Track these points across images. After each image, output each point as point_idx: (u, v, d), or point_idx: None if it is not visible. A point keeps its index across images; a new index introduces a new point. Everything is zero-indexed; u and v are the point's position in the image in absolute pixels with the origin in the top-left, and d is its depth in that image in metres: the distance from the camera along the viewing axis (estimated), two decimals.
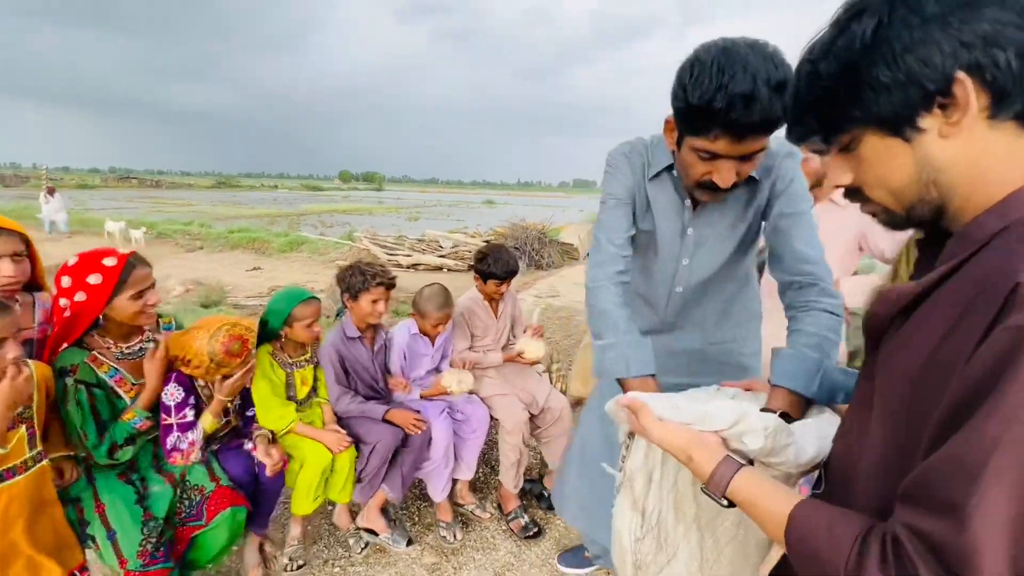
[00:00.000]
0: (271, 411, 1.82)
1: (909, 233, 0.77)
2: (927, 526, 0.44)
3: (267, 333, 1.90)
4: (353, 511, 2.11)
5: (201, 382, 1.62)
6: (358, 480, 1.96)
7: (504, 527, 2.20)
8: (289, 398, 1.92)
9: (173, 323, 1.73)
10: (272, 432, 1.80)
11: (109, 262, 1.40)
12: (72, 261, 1.41)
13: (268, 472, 1.66)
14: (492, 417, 2.22)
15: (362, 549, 2.00)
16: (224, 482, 1.59)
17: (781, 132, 0.84)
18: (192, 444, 1.55)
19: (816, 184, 1.91)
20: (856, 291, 1.78)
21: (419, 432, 1.97)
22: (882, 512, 0.52)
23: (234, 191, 58.91)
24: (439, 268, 9.50)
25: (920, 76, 0.50)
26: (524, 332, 2.46)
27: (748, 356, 1.31)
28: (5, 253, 1.37)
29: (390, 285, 2.01)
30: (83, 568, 1.36)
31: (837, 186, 0.64)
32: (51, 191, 12.70)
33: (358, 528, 2.06)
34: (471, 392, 2.16)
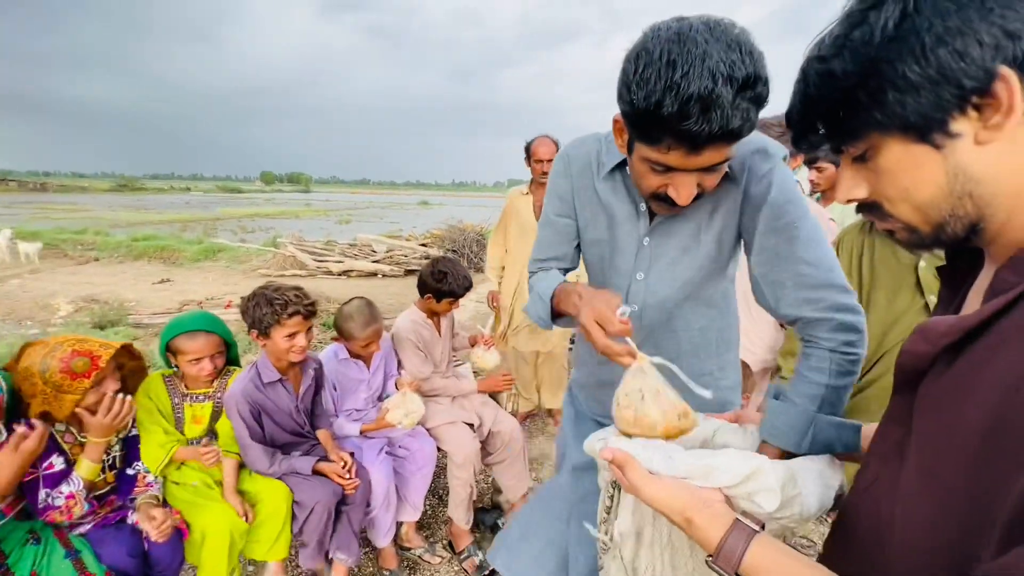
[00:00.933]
0: (151, 440, 1.54)
1: None
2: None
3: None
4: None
5: (62, 429, 1.31)
6: (301, 545, 1.69)
7: (457, 567, 2.00)
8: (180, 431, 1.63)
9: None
10: (160, 488, 1.50)
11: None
12: None
13: (154, 538, 1.36)
14: (439, 448, 2.02)
15: None
16: (99, 572, 1.27)
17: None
18: (71, 497, 1.28)
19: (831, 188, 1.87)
20: None
21: (352, 490, 1.70)
22: None
23: (138, 194, 53.64)
24: (373, 274, 9.03)
25: (955, 72, 0.43)
26: (474, 345, 2.29)
27: (726, 390, 1.11)
28: None
29: (309, 313, 1.64)
30: None
31: (850, 201, 0.55)
32: None
33: None
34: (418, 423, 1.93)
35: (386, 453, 1.91)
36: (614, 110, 0.84)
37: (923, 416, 0.50)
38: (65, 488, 1.28)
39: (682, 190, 0.80)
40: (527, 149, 2.72)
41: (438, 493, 2.37)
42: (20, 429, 1.17)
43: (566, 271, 1.14)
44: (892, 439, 0.55)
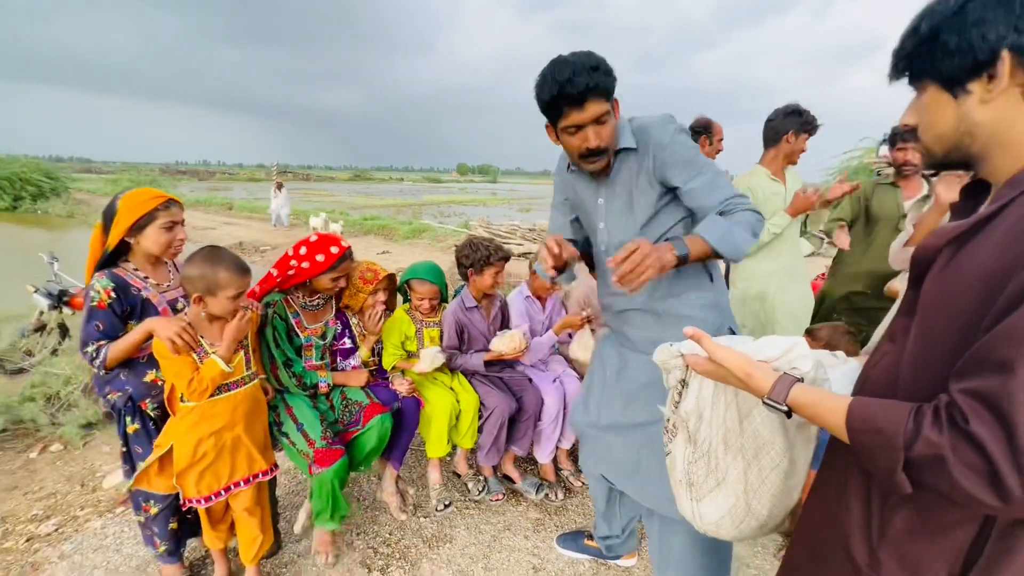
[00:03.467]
0: (387, 348, 2.23)
1: None
2: (979, 384, 0.54)
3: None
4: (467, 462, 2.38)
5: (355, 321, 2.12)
6: (478, 447, 2.24)
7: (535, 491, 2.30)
8: (419, 348, 2.27)
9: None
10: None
11: (335, 249, 1.88)
12: (313, 238, 1.90)
13: (405, 391, 2.09)
14: None
15: (479, 492, 2.28)
16: (375, 400, 2.01)
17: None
18: (356, 368, 2.11)
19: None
20: None
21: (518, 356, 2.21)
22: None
23: (366, 183, 65.23)
24: None
25: (977, 48, 0.61)
26: None
27: (697, 307, 1.40)
28: (179, 220, 1.63)
29: (506, 259, 2.25)
30: (274, 467, 1.76)
31: (905, 124, 0.78)
32: (279, 186, 13.28)
33: (479, 474, 2.33)
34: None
35: (560, 383, 2.30)
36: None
37: (926, 300, 0.67)
38: (351, 360, 2.06)
39: (591, 137, 1.24)
40: (709, 128, 2.80)
41: None
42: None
43: (572, 241, 1.57)
44: (901, 326, 0.72)
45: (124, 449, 1.66)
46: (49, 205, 18.09)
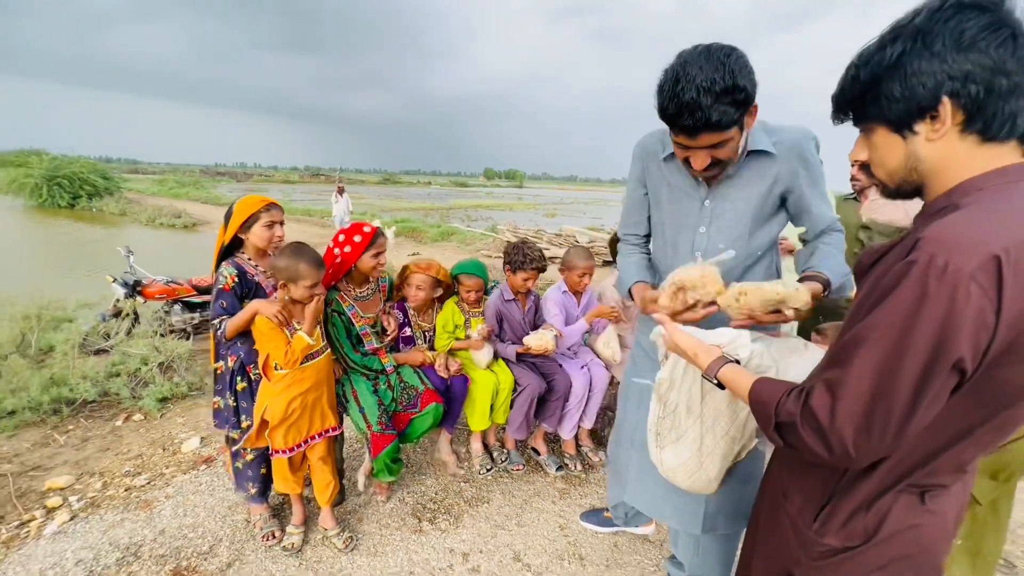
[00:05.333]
0: (439, 338, 2.52)
1: None
2: (827, 375, 0.71)
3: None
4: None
5: (414, 314, 2.42)
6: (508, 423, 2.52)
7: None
8: (467, 335, 2.55)
9: (388, 276, 2.43)
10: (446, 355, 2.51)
11: (366, 229, 2.14)
12: (346, 227, 2.17)
13: (452, 372, 2.38)
14: (614, 379, 2.59)
15: (502, 461, 2.59)
16: (430, 386, 2.29)
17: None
18: (417, 352, 2.44)
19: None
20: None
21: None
22: None
23: (396, 187, 66.54)
24: None
25: (919, 96, 0.69)
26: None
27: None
28: (278, 220, 1.95)
29: (541, 270, 2.51)
30: (340, 426, 2.08)
31: (855, 160, 0.90)
32: (341, 191, 13.09)
33: (503, 447, 2.61)
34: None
35: (587, 369, 2.56)
36: None
37: (852, 306, 0.77)
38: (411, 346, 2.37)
39: (697, 161, 1.17)
40: None
41: (609, 421, 2.93)
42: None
43: (644, 238, 1.56)
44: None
45: (233, 404, 1.99)
46: (104, 203, 19.28)
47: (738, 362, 0.97)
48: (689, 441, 1.16)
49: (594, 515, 2.22)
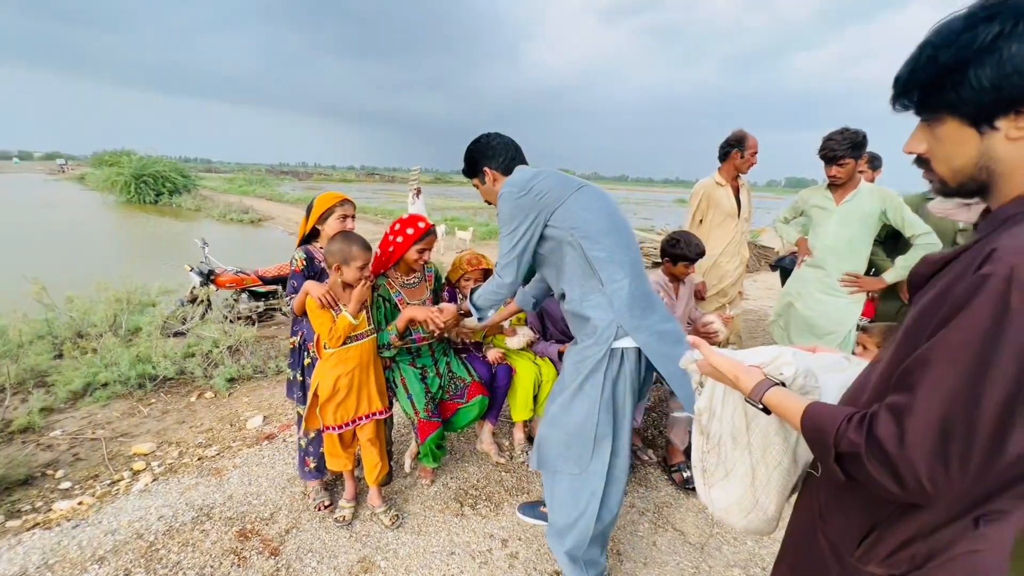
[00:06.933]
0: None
1: None
2: (894, 400, 0.64)
3: None
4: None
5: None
6: None
7: (667, 475, 2.52)
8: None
9: (433, 267, 2.52)
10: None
11: (420, 224, 2.22)
12: (404, 217, 2.26)
13: (494, 358, 2.48)
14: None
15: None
16: (476, 377, 2.37)
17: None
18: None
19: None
20: None
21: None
22: None
23: (446, 186, 67.93)
24: None
25: (1014, 86, 0.60)
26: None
27: (583, 307, 1.59)
28: (350, 214, 2.16)
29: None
30: (388, 410, 2.19)
31: (910, 152, 0.74)
32: (418, 192, 14.88)
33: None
34: None
35: None
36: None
37: (908, 320, 0.72)
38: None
39: None
40: (741, 142, 2.96)
41: (659, 427, 2.90)
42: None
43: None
44: (897, 336, 0.78)
45: (300, 378, 2.19)
46: (182, 200, 20.94)
47: (783, 384, 0.89)
48: (740, 476, 1.05)
49: (530, 508, 2.22)
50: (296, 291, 2.06)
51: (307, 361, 2.17)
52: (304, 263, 2.10)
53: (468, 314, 2.10)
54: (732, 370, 0.92)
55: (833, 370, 0.98)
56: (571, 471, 1.63)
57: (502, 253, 1.63)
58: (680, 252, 2.45)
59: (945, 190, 0.73)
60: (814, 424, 0.73)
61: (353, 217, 2.18)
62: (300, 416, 2.19)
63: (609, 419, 1.58)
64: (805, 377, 0.93)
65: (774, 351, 0.96)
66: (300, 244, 2.19)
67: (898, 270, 2.47)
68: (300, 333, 2.18)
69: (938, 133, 0.68)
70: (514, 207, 1.58)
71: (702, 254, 2.48)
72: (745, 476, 1.04)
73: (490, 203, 1.75)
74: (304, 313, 2.04)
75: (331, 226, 2.13)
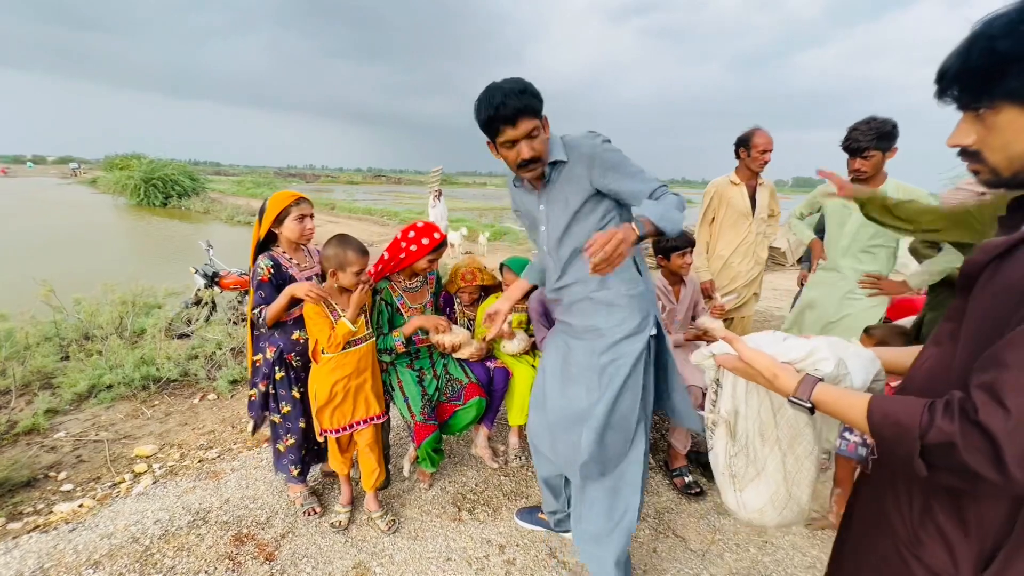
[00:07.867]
0: (478, 329, 2.61)
1: None
2: (982, 378, 0.62)
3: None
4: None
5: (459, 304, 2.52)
6: None
7: (668, 480, 2.48)
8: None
9: (435, 270, 2.50)
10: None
11: (436, 235, 2.21)
12: (420, 224, 2.22)
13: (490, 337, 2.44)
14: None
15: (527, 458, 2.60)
16: (473, 379, 2.35)
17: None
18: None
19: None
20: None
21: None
22: None
23: (452, 187, 68.17)
24: None
25: None
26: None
27: (621, 297, 1.58)
28: (307, 213, 2.02)
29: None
30: (385, 414, 2.18)
31: (955, 145, 0.74)
32: (439, 195, 13.37)
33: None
34: None
35: None
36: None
37: (973, 309, 0.70)
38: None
39: (524, 150, 1.42)
40: (746, 141, 2.89)
41: (660, 430, 2.86)
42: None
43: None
44: (946, 331, 0.76)
45: (266, 391, 2.10)
46: (191, 202, 21.14)
47: (821, 379, 0.85)
48: (771, 472, 1.02)
49: (528, 513, 2.18)
50: (265, 301, 1.96)
51: (280, 375, 2.08)
52: (271, 271, 1.97)
53: (495, 341, 2.30)
54: (771, 368, 0.87)
55: (847, 356, 0.92)
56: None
57: (647, 176, 1.48)
58: (666, 242, 2.41)
59: (996, 181, 0.72)
60: (890, 419, 0.69)
61: (311, 216, 2.05)
62: (274, 423, 2.17)
63: (643, 406, 1.61)
64: (839, 367, 0.88)
65: (808, 346, 0.90)
66: (257, 250, 2.05)
67: (923, 275, 2.21)
68: (273, 348, 2.05)
69: (994, 123, 0.68)
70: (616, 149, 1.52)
71: (691, 243, 2.44)
72: (777, 471, 1.01)
73: (532, 160, 1.46)
74: (275, 324, 2.01)
75: (289, 228, 2.00)
